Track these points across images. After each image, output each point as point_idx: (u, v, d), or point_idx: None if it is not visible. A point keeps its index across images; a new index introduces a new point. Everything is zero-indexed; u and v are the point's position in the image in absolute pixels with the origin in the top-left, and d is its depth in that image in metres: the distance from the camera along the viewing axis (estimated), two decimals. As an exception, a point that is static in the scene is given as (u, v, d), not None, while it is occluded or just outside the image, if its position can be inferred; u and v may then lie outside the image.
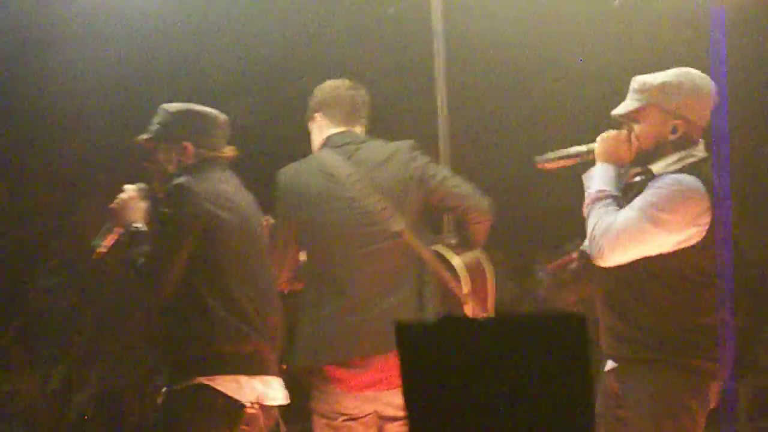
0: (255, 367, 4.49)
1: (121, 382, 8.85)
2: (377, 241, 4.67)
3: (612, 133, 4.56)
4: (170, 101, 4.76)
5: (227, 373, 4.44)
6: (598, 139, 4.59)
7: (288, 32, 7.92)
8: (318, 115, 4.92)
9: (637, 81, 4.59)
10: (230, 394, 4.44)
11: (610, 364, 4.57)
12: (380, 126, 5.04)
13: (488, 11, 6.08)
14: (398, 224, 4.65)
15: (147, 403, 8.67)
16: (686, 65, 4.65)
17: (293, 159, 4.89)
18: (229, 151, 4.72)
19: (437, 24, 5.44)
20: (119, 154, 6.89)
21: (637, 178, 4.57)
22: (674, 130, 4.51)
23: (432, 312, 4.65)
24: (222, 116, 4.73)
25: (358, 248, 4.67)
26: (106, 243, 4.72)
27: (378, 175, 4.73)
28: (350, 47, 7.65)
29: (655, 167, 4.50)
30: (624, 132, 4.55)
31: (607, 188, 4.50)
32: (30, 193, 8.97)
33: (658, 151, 4.52)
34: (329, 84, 4.97)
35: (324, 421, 4.79)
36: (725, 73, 5.55)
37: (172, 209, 4.45)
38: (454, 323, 3.54)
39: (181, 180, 4.51)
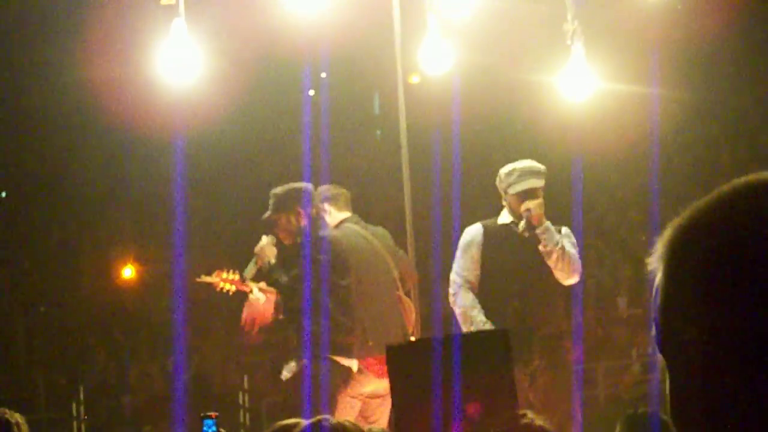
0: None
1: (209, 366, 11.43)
2: (388, 280, 7.02)
3: (540, 200, 6.69)
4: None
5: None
6: (537, 205, 6.72)
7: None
8: (326, 205, 7.02)
9: (539, 167, 6.71)
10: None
11: None
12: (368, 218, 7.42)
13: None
14: (395, 273, 7.03)
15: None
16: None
17: None
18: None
19: (404, 141, 7.58)
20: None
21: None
22: None
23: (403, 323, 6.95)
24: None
25: (381, 280, 6.98)
26: (251, 273, 6.89)
27: (383, 242, 7.06)
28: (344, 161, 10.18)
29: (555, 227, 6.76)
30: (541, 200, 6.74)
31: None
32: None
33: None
34: (327, 186, 7.19)
35: (356, 400, 6.73)
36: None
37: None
38: (423, 342, 5.76)
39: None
